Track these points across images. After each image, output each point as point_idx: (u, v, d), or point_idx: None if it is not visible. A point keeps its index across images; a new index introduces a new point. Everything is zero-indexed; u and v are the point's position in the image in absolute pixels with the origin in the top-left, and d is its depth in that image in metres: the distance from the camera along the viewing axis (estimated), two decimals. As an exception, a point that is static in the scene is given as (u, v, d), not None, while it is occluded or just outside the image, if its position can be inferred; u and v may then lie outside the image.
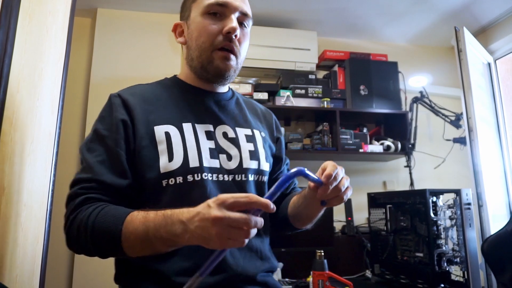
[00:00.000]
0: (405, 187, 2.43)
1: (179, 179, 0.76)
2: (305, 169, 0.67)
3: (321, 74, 2.53)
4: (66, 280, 2.00)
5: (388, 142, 2.32)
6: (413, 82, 2.55)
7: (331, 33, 2.57)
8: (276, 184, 0.64)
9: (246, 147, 0.87)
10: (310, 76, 2.37)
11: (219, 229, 0.56)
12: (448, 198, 1.68)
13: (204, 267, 0.62)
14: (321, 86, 2.34)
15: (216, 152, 0.81)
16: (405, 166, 2.35)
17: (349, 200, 2.29)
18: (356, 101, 2.32)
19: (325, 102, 2.26)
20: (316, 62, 2.41)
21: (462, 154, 2.26)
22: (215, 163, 0.80)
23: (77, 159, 2.11)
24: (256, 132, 0.93)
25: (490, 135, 2.07)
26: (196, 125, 0.81)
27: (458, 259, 1.59)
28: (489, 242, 1.54)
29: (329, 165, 0.72)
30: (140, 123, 0.77)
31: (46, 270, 1.25)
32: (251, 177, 0.86)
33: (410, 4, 2.21)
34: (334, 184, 0.69)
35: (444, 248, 1.60)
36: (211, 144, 0.81)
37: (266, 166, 0.90)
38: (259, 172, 0.88)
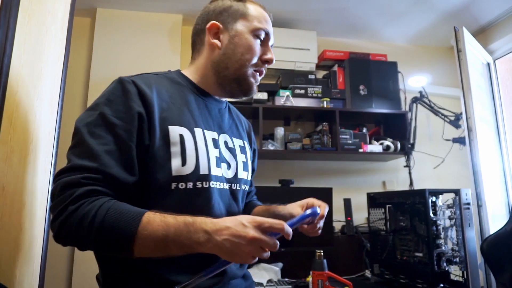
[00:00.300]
0: (405, 187, 2.43)
1: (189, 185, 0.76)
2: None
3: (320, 74, 2.53)
4: (66, 280, 2.00)
5: (387, 142, 2.32)
6: (413, 82, 2.55)
7: (330, 33, 2.57)
8: (298, 217, 0.73)
9: (240, 158, 0.90)
10: (309, 76, 2.37)
11: (252, 248, 0.61)
12: (448, 198, 1.68)
13: (209, 270, 0.66)
14: (320, 86, 2.34)
15: (219, 161, 0.83)
16: (404, 166, 2.35)
17: (349, 200, 2.29)
18: (355, 101, 2.32)
19: (325, 102, 2.26)
20: (316, 62, 2.41)
21: (462, 154, 2.26)
22: (218, 172, 0.82)
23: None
24: (246, 144, 0.98)
25: (489, 135, 2.07)
26: (205, 131, 0.82)
27: (457, 259, 1.59)
28: (489, 242, 1.54)
29: (322, 207, 0.84)
30: (156, 120, 0.73)
31: (45, 270, 1.25)
32: (242, 187, 0.90)
33: (410, 4, 2.21)
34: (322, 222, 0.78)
35: (443, 248, 1.60)
36: (217, 153, 0.83)
37: (250, 177, 0.99)
38: (247, 182, 0.93)
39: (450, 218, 1.64)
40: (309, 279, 1.60)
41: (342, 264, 2.08)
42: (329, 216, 2.04)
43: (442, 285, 1.58)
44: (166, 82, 0.82)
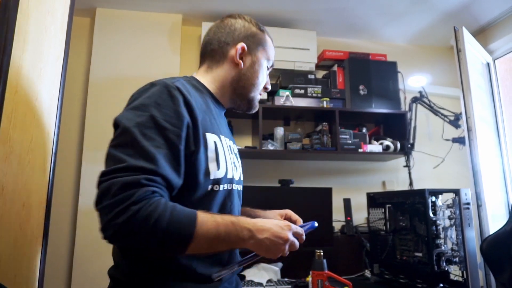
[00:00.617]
0: (404, 187, 2.43)
1: (222, 187, 0.84)
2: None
3: (320, 74, 2.53)
4: (65, 280, 2.00)
5: (387, 142, 2.32)
6: (413, 82, 2.55)
7: (330, 33, 2.57)
8: (308, 227, 0.89)
9: (240, 161, 1.01)
10: (309, 76, 2.37)
11: (285, 248, 0.76)
12: (447, 198, 1.68)
13: (241, 261, 0.79)
14: (320, 86, 2.34)
15: (233, 164, 0.92)
16: (404, 166, 2.35)
17: (348, 200, 2.29)
18: (355, 101, 2.32)
19: (325, 102, 2.26)
20: (316, 62, 2.41)
21: (461, 154, 2.26)
22: (236, 175, 0.92)
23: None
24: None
25: (489, 135, 2.07)
26: (225, 138, 0.91)
27: (457, 259, 1.59)
28: (488, 241, 1.54)
29: (298, 221, 0.99)
30: (199, 127, 0.78)
31: (45, 270, 1.25)
32: (241, 188, 1.00)
33: (410, 4, 2.21)
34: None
35: (443, 248, 1.60)
36: (232, 157, 0.92)
37: None
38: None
39: (449, 218, 1.64)
40: (309, 279, 1.60)
41: (342, 264, 2.08)
42: (329, 216, 2.04)
43: (441, 285, 1.58)
44: (195, 90, 0.87)
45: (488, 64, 2.36)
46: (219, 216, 0.71)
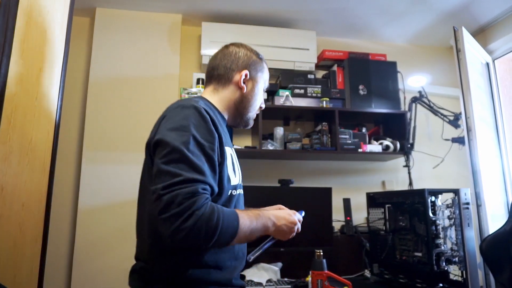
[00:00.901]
0: (404, 186, 2.44)
1: (236, 191, 1.00)
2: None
3: (320, 74, 2.53)
4: (65, 280, 2.00)
5: (387, 142, 2.32)
6: (412, 82, 2.56)
7: (330, 33, 2.57)
8: (300, 215, 1.05)
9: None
10: (309, 76, 2.37)
11: (294, 230, 0.99)
12: (447, 197, 1.68)
13: (264, 246, 1.02)
14: (320, 86, 2.34)
15: (238, 171, 1.04)
16: (404, 166, 2.36)
17: (348, 200, 2.30)
18: (355, 101, 2.33)
19: (324, 102, 2.26)
20: (315, 62, 2.41)
21: (461, 153, 2.26)
22: (241, 181, 1.07)
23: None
24: None
25: (488, 135, 2.08)
26: (232, 148, 1.04)
27: (456, 259, 1.60)
28: (488, 241, 1.54)
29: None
30: (223, 141, 0.93)
31: (44, 270, 1.25)
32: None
33: (409, 4, 2.22)
34: None
35: (442, 247, 1.61)
36: (237, 164, 1.04)
37: None
38: None
39: (449, 218, 1.64)
40: (309, 279, 1.60)
41: (341, 264, 2.08)
42: (329, 216, 2.05)
43: (441, 284, 1.58)
44: (210, 109, 0.98)
45: (487, 64, 2.37)
46: (250, 211, 0.91)
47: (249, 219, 0.87)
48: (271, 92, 2.29)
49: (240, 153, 2.11)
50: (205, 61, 2.25)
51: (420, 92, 2.39)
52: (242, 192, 1.08)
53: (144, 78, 2.23)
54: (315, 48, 2.40)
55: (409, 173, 2.34)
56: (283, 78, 2.33)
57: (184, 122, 0.86)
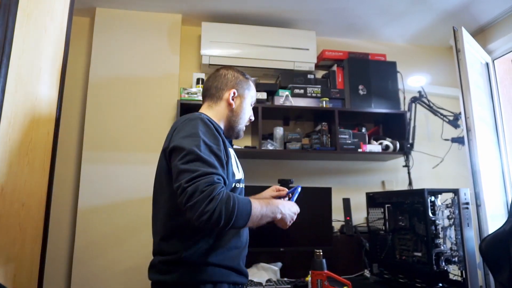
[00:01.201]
0: (404, 186, 2.44)
1: (239, 185, 1.15)
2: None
3: (320, 74, 2.53)
4: (65, 280, 2.00)
5: (386, 142, 2.32)
6: (412, 82, 2.56)
7: (329, 33, 2.57)
8: (295, 196, 1.26)
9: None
10: (309, 76, 2.37)
11: (293, 219, 1.13)
12: (447, 197, 1.68)
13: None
14: (320, 86, 2.34)
15: (240, 167, 1.20)
16: (403, 166, 2.36)
17: (348, 200, 2.30)
18: (355, 101, 2.33)
19: (324, 102, 2.26)
20: (315, 62, 2.41)
21: (460, 153, 2.26)
22: (243, 176, 1.21)
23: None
24: None
25: (488, 135, 2.08)
26: (233, 150, 1.21)
27: (456, 259, 1.60)
28: (487, 241, 1.54)
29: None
30: (226, 144, 1.11)
31: (44, 270, 1.25)
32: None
33: (409, 4, 2.22)
34: None
35: (442, 247, 1.61)
36: (239, 162, 1.21)
37: None
38: None
39: (449, 218, 1.64)
40: (308, 278, 1.60)
41: (341, 263, 2.08)
42: (328, 216, 2.05)
43: (441, 284, 1.58)
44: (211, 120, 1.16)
45: (487, 64, 2.37)
46: (260, 199, 1.07)
47: (260, 206, 1.02)
48: (271, 92, 2.29)
49: (240, 153, 2.11)
50: (205, 61, 2.25)
51: (419, 92, 2.39)
52: (244, 187, 1.22)
53: (144, 78, 2.23)
54: (314, 48, 2.40)
55: (408, 173, 2.34)
56: (283, 78, 2.33)
57: (193, 130, 1.02)
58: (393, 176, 2.51)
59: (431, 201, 1.65)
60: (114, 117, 2.16)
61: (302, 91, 2.30)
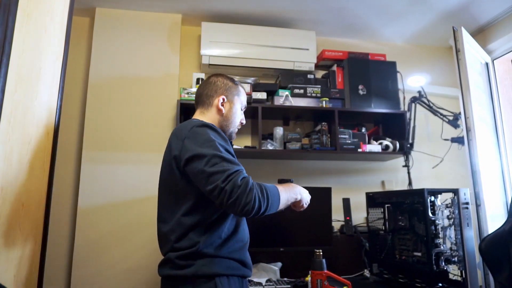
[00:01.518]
0: (404, 186, 2.44)
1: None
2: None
3: (319, 73, 2.53)
4: (65, 280, 2.00)
5: (386, 142, 2.32)
6: (412, 82, 2.56)
7: (329, 32, 2.57)
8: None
9: None
10: (308, 76, 2.37)
11: (308, 203, 1.29)
12: (446, 197, 1.68)
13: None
14: (319, 86, 2.34)
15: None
16: (403, 166, 2.36)
17: (348, 200, 2.30)
18: (354, 101, 2.33)
19: (324, 102, 2.26)
20: (315, 62, 2.41)
21: (460, 153, 2.26)
22: None
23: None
24: None
25: (488, 135, 2.08)
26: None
27: (456, 259, 1.60)
28: (487, 241, 1.54)
29: None
30: (231, 145, 1.20)
31: (44, 270, 1.25)
32: None
33: (409, 4, 2.22)
34: None
35: (442, 247, 1.61)
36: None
37: None
38: None
39: (448, 218, 1.65)
40: (308, 278, 1.60)
41: (341, 263, 2.08)
42: (328, 216, 2.05)
43: (440, 284, 1.59)
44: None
45: (487, 64, 2.37)
46: (280, 185, 1.19)
47: (284, 190, 1.17)
48: (270, 92, 2.29)
49: (240, 153, 2.12)
50: (205, 61, 2.25)
51: (419, 92, 2.40)
52: None
53: (144, 78, 2.23)
54: (314, 48, 2.40)
55: (408, 173, 2.35)
56: (283, 78, 2.33)
57: (206, 137, 1.10)
58: (393, 176, 2.52)
59: (431, 201, 1.65)
60: (114, 117, 2.16)
61: (302, 91, 2.30)
